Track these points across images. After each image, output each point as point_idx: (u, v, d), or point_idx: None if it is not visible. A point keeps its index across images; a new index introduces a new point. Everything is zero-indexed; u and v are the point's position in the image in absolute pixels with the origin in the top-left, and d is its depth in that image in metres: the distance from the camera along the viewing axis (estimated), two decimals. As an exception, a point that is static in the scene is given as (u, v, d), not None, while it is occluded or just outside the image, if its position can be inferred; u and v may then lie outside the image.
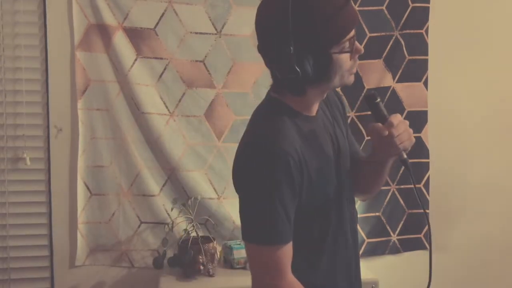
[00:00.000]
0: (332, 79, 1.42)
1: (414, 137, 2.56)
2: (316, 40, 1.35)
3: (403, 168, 2.83)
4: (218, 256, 2.62)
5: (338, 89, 1.79)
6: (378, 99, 1.48)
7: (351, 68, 1.44)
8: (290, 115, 1.44)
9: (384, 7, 2.80)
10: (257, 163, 1.36)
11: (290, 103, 1.45)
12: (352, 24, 1.38)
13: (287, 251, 1.38)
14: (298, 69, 1.34)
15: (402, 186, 2.87)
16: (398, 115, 1.46)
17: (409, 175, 1.50)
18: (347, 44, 1.38)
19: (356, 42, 1.41)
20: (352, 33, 1.39)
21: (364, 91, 2.80)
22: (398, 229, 2.89)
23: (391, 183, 2.86)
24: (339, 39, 1.37)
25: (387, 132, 1.42)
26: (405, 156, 1.48)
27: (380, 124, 1.44)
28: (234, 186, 1.44)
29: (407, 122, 1.46)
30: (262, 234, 1.37)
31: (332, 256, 1.50)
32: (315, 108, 1.51)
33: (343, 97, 1.70)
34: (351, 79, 1.47)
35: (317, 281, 1.48)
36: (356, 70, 2.91)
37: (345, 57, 1.39)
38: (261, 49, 1.43)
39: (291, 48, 1.33)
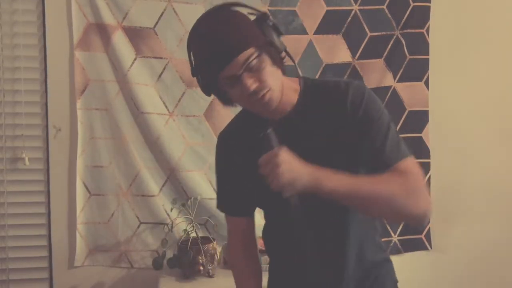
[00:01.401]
0: (237, 105, 1.48)
1: (415, 137, 2.54)
2: (200, 73, 1.44)
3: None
4: (218, 256, 2.61)
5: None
6: (268, 130, 1.37)
7: (248, 102, 1.40)
8: (248, 116, 1.52)
9: (384, 6, 2.79)
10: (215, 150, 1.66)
11: None
12: (216, 68, 1.35)
13: (234, 223, 1.69)
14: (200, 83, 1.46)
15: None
16: (275, 152, 1.31)
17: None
18: (227, 81, 1.37)
19: (244, 81, 1.35)
20: (228, 72, 1.35)
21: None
22: (399, 229, 2.87)
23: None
24: (212, 77, 1.39)
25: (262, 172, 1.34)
26: (286, 195, 1.31)
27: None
28: None
29: (279, 161, 1.29)
30: (217, 202, 1.70)
31: (287, 257, 1.62)
32: (273, 112, 1.45)
33: (363, 101, 1.45)
34: (257, 109, 1.43)
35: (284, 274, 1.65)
36: (357, 70, 2.91)
37: (233, 91, 1.39)
38: None
39: (197, 77, 1.46)
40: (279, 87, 1.42)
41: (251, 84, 1.35)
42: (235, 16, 1.39)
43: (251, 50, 1.34)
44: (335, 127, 1.46)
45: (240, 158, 1.55)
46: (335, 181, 1.33)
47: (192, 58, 1.43)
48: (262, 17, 1.42)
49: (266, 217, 1.66)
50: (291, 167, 1.30)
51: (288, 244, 1.59)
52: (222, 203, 1.68)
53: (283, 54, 1.45)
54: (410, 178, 1.43)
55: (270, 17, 1.43)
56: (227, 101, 1.47)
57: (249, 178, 1.49)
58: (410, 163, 1.45)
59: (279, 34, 1.43)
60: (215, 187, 1.69)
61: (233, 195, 1.64)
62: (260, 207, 1.66)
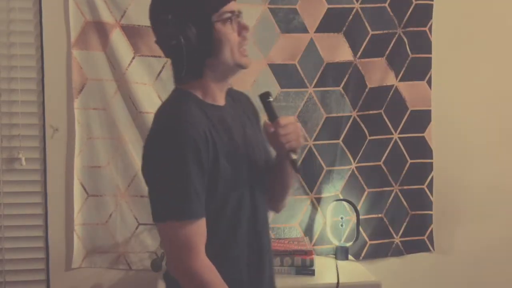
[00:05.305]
0: (222, 52, 1.46)
1: (417, 137, 2.59)
2: (194, 6, 1.44)
3: (406, 168, 2.83)
4: (217, 258, 2.57)
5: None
6: (270, 99, 1.55)
7: (239, 45, 1.48)
8: (196, 102, 1.49)
9: (386, 4, 2.76)
10: (165, 144, 1.40)
11: (195, 92, 1.51)
12: (217, 3, 1.46)
13: (198, 228, 1.40)
14: (181, 37, 1.41)
15: (405, 187, 2.83)
16: (291, 118, 1.55)
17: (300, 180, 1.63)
18: (228, 15, 1.46)
19: (242, 21, 1.50)
20: (233, 7, 1.48)
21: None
22: (401, 230, 2.84)
23: (394, 184, 2.82)
24: (218, 7, 1.45)
25: (273, 129, 1.52)
26: (293, 157, 1.52)
27: (268, 122, 1.53)
28: (143, 174, 1.48)
29: (298, 126, 1.54)
30: (172, 210, 1.40)
31: (243, 245, 1.53)
32: (220, 97, 1.55)
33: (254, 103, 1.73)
34: (244, 60, 1.50)
35: (225, 270, 1.46)
36: (358, 69, 2.87)
37: (229, 30, 1.46)
38: (154, 32, 1.50)
39: (169, 16, 1.42)
40: None
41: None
42: None
43: None
44: (256, 123, 1.66)
45: (208, 141, 1.42)
46: None
47: (173, 13, 1.44)
48: None
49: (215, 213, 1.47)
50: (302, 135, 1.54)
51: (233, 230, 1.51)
52: (189, 207, 1.39)
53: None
54: None
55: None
56: (211, 47, 1.46)
57: (226, 158, 1.46)
58: None
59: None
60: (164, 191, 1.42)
61: (201, 193, 1.41)
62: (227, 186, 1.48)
